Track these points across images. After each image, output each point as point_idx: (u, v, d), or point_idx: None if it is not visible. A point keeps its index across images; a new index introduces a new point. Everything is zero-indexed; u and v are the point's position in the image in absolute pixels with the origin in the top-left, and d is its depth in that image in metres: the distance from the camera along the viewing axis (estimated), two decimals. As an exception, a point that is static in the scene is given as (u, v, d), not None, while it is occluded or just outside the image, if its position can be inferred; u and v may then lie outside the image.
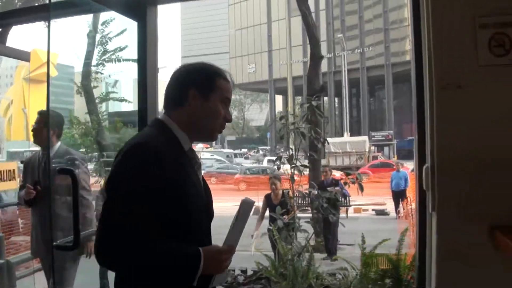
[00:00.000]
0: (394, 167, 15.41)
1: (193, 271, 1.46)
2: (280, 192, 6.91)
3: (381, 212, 14.37)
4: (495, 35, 2.17)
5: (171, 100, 1.64)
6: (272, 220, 6.32)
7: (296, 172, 6.06)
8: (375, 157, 31.90)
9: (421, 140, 2.50)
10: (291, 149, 6.07)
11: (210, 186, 1.84)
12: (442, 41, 2.26)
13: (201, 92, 1.60)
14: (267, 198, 7.20)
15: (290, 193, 6.42)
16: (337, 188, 8.09)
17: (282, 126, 5.96)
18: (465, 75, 2.21)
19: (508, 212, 1.69)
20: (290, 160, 5.99)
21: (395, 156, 34.83)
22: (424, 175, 2.39)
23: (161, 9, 2.98)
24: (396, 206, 13.58)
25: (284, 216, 6.02)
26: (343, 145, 31.12)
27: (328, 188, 7.57)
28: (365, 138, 33.76)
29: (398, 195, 13.69)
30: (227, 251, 1.57)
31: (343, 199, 10.97)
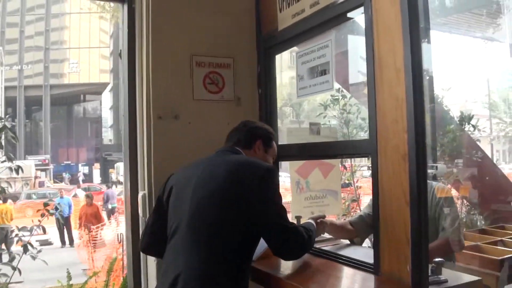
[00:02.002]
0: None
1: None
2: None
3: (45, 242, 13.44)
4: (210, 73, 2.49)
5: (243, 142, 2.08)
6: None
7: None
8: (41, 183, 29.54)
9: (134, 167, 2.58)
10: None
11: None
12: (161, 74, 2.42)
13: (264, 145, 2.11)
14: None
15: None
16: None
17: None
18: (182, 107, 2.43)
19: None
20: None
21: (52, 181, 33.46)
22: (141, 202, 2.48)
23: None
24: (62, 234, 13.04)
25: None
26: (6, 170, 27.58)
27: None
28: (31, 162, 30.91)
29: (63, 223, 13.20)
30: (319, 217, 2.29)
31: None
